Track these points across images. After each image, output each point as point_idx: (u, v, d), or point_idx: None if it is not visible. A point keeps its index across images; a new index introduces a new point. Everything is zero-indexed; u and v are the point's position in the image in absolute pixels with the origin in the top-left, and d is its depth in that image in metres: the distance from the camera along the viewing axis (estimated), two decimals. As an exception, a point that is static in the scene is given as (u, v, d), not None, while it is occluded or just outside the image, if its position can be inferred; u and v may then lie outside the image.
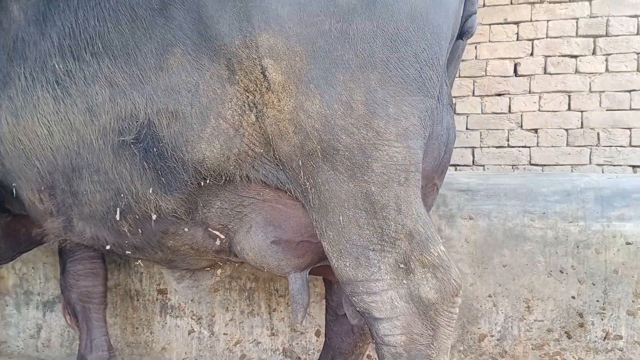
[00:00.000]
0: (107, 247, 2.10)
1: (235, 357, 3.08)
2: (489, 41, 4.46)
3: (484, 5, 4.48)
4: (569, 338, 2.58)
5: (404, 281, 1.61)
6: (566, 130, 4.29)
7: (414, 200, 1.62)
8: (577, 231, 2.58)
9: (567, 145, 4.30)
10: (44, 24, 1.90)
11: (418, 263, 1.61)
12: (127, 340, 3.21)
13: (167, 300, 3.19)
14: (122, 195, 1.89)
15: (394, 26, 1.58)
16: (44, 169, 1.98)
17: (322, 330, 2.90)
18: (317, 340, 2.93)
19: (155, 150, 1.78)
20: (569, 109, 4.29)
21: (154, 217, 1.88)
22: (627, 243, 2.53)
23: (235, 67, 1.65)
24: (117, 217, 1.93)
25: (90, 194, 1.94)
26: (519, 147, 4.40)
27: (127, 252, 2.11)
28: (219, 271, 2.28)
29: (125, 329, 3.22)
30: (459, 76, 4.50)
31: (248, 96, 1.66)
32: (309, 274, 1.99)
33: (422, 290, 1.60)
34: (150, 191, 1.84)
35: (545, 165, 4.34)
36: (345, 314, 2.13)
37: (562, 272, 2.58)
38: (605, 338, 2.54)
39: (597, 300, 2.55)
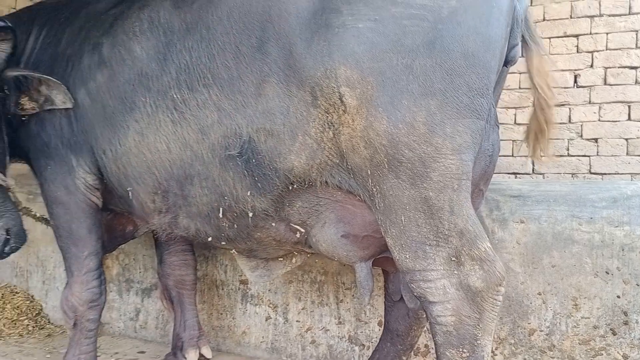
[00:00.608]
0: (209, 239, 2.53)
1: (306, 342, 3.46)
2: (549, 54, 4.65)
3: (544, 20, 4.68)
4: (614, 335, 2.79)
5: (455, 272, 1.93)
6: (626, 139, 4.41)
7: (465, 203, 1.94)
8: (622, 235, 2.78)
9: (627, 154, 4.41)
10: (164, 62, 2.36)
11: (467, 257, 1.92)
12: (213, 324, 3.67)
13: (247, 290, 3.62)
14: (225, 197, 2.31)
15: (450, 63, 1.90)
16: (161, 177, 2.44)
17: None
18: (379, 330, 3.26)
19: (254, 161, 2.19)
20: (629, 118, 4.40)
21: (250, 214, 2.29)
22: (671, 247, 2.72)
23: (318, 94, 2.03)
24: (220, 214, 2.36)
25: (198, 197, 2.38)
26: (578, 156, 4.55)
27: (223, 242, 2.54)
28: (293, 260, 2.67)
29: (211, 314, 3.67)
30: (520, 88, 4.71)
31: (327, 117, 2.04)
32: (373, 265, 2.34)
33: (471, 279, 1.91)
34: (248, 194, 2.26)
35: (604, 174, 4.46)
36: (401, 300, 2.48)
37: (608, 273, 2.80)
38: (649, 337, 2.73)
39: (641, 300, 2.75)
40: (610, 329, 2.80)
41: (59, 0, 3.07)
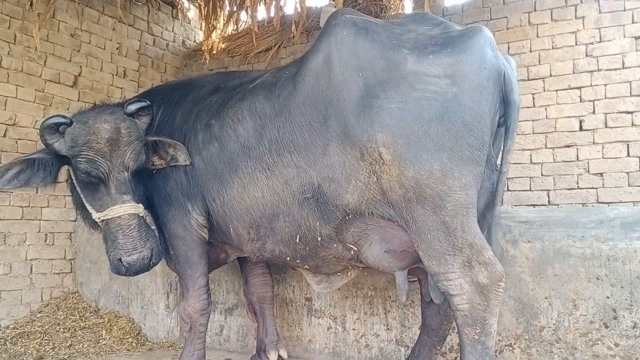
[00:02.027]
0: (287, 259, 3.42)
1: (361, 346, 4.27)
2: (557, 103, 5.47)
3: (550, 75, 5.53)
4: (607, 328, 3.50)
5: (468, 272, 2.73)
6: (627, 173, 5.18)
7: (472, 224, 2.74)
8: (607, 248, 3.53)
9: (629, 185, 5.18)
10: (260, 138, 3.27)
11: (476, 262, 2.72)
12: (284, 335, 4.52)
13: (312, 305, 4.47)
14: (301, 227, 3.20)
15: (455, 129, 2.71)
16: (256, 216, 3.35)
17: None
18: (419, 332, 4.04)
19: (321, 200, 3.07)
20: (628, 155, 5.19)
21: (318, 238, 3.18)
22: (647, 256, 3.46)
23: (364, 152, 2.88)
24: (297, 240, 3.25)
25: (282, 228, 3.28)
26: (587, 188, 5.32)
27: (297, 261, 3.42)
28: (349, 273, 3.53)
29: (282, 326, 4.53)
30: (533, 132, 5.53)
31: (371, 167, 2.88)
32: (409, 274, 3.18)
33: (479, 278, 2.71)
34: (317, 224, 3.14)
35: (610, 202, 5.22)
36: (431, 301, 3.29)
37: (598, 279, 3.54)
38: (634, 327, 3.43)
39: (626, 299, 3.46)
40: (604, 323, 3.51)
41: (170, 85, 4.12)
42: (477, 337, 2.70)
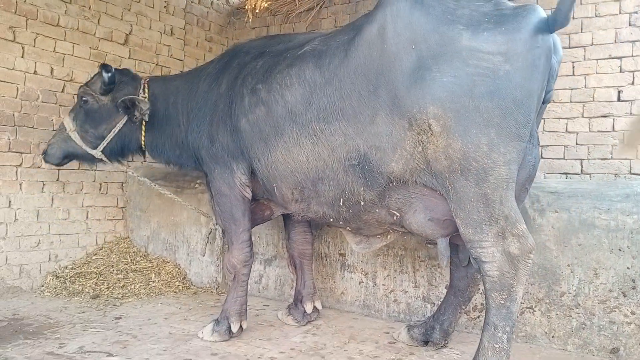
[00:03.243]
0: (331, 220, 3.69)
1: (390, 301, 4.59)
2: (596, 73, 5.51)
3: (592, 44, 5.54)
4: (625, 296, 3.74)
5: (501, 242, 2.94)
6: (660, 145, 5.27)
7: (510, 197, 2.92)
8: (631, 222, 3.72)
9: (661, 158, 5.27)
10: (308, 105, 3.47)
11: (510, 233, 2.93)
12: (318, 286, 4.87)
13: (345, 261, 4.79)
14: (345, 191, 3.43)
15: (504, 105, 2.84)
16: (300, 178, 3.60)
17: (448, 280, 4.31)
18: (446, 291, 4.34)
19: (367, 167, 3.26)
20: None
21: (362, 203, 3.42)
22: (670, 232, 3.65)
23: (413, 123, 3.03)
24: (341, 203, 3.51)
25: (326, 192, 3.52)
26: (620, 159, 5.42)
27: (340, 222, 3.69)
28: (388, 237, 3.79)
29: (317, 278, 4.88)
30: (571, 101, 5.60)
31: (419, 137, 3.03)
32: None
33: (511, 248, 2.92)
34: (361, 189, 3.36)
35: (642, 174, 5.34)
36: (463, 265, 3.56)
37: (620, 250, 3.75)
38: (651, 297, 3.68)
39: (646, 271, 3.70)
40: (622, 292, 3.75)
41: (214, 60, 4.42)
42: (503, 302, 2.96)
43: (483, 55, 2.86)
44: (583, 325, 3.87)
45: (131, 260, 5.65)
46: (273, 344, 3.93)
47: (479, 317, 4.24)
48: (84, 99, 4.45)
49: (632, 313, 3.72)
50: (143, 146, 4.53)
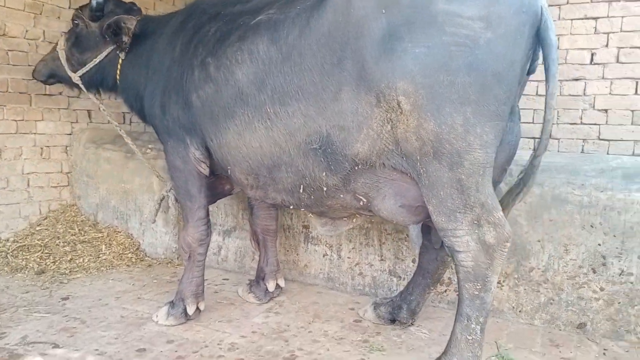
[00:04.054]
0: (290, 207, 3.42)
1: (355, 274, 4.43)
2: (570, 34, 5.28)
3: (567, 3, 5.29)
4: (594, 273, 3.67)
5: (476, 231, 2.75)
6: (632, 111, 5.14)
7: (487, 184, 2.70)
8: (605, 198, 3.60)
9: (632, 124, 5.16)
10: (261, 85, 3.10)
11: (485, 221, 2.73)
12: (281, 259, 4.65)
13: (309, 233, 4.58)
14: (305, 178, 3.13)
15: (483, 80, 2.56)
16: (253, 165, 3.28)
17: (417, 259, 4.17)
18: (413, 265, 4.20)
19: (329, 150, 2.97)
20: (636, 93, 5.11)
21: (324, 189, 3.14)
22: (643, 208, 3.55)
23: (381, 99, 2.74)
24: (301, 190, 3.22)
25: (284, 179, 3.22)
26: (590, 124, 5.29)
27: (301, 209, 3.42)
28: (354, 220, 3.56)
29: (280, 251, 4.65)
30: (541, 63, 5.37)
31: (387, 115, 2.75)
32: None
33: (486, 237, 2.73)
34: (324, 174, 3.07)
35: (611, 140, 5.23)
36: (436, 247, 3.39)
37: (592, 227, 3.64)
38: (620, 274, 3.61)
39: (617, 248, 3.60)
40: (592, 269, 3.67)
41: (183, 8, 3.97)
42: (477, 293, 2.80)
43: (462, 21, 2.55)
44: (551, 301, 3.81)
45: (79, 230, 5.29)
46: (233, 326, 3.73)
47: (445, 291, 4.14)
48: (75, 22, 4.29)
49: (601, 289, 3.66)
50: (118, 83, 4.24)
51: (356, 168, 3.00)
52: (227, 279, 4.72)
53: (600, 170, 3.70)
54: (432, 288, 3.65)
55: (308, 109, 2.98)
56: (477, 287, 2.80)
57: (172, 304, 3.79)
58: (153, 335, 3.54)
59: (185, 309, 3.74)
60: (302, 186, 3.21)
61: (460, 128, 2.59)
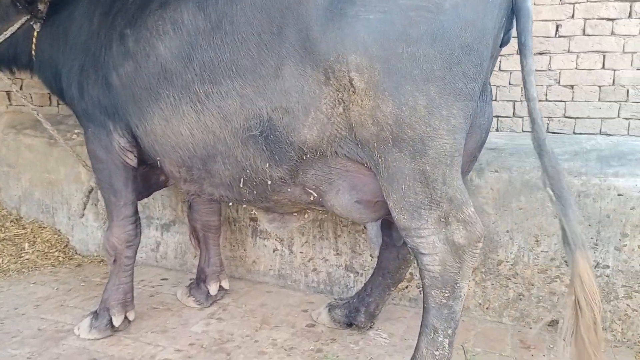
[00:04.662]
0: (230, 203, 2.96)
1: (308, 270, 4.02)
2: (534, 4, 4.90)
3: (530, -29, 4.90)
4: (568, 265, 3.37)
5: (443, 230, 2.37)
6: (599, 87, 4.80)
7: (456, 176, 2.32)
8: (579, 183, 3.28)
9: (599, 100, 4.81)
10: (188, 60, 2.61)
11: (454, 218, 2.35)
12: (226, 255, 4.19)
13: (257, 226, 4.12)
14: (246, 170, 2.69)
15: (449, 52, 2.16)
16: (185, 156, 2.81)
17: (376, 252, 3.79)
18: (371, 260, 3.81)
19: (272, 137, 2.53)
20: (603, 67, 4.75)
21: (268, 182, 2.69)
22: (619, 194, 3.22)
23: (330, 75, 2.32)
24: (241, 184, 2.76)
25: (221, 172, 2.76)
26: (555, 101, 4.94)
27: (244, 205, 2.96)
28: (305, 215, 3.12)
29: (224, 246, 4.19)
30: (514, 36, 5.00)
31: (338, 95, 2.34)
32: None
33: (455, 237, 2.36)
34: (267, 165, 2.63)
35: (577, 118, 4.89)
36: (397, 244, 3.00)
37: (566, 216, 3.33)
38: (596, 266, 3.32)
39: (592, 238, 3.30)
40: (565, 261, 3.37)
41: None
42: (445, 301, 2.43)
43: None
44: (520, 296, 3.50)
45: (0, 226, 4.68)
46: (169, 337, 3.27)
47: (407, 287, 3.78)
48: None
49: (574, 283, 3.36)
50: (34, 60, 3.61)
51: (304, 158, 2.57)
52: (166, 279, 4.23)
53: (574, 153, 3.37)
54: (392, 289, 3.26)
55: (244, 89, 2.52)
56: (445, 294, 2.43)
57: (95, 314, 3.29)
58: (73, 352, 3.05)
59: (110, 320, 3.25)
60: (242, 180, 2.76)
61: (423, 110, 2.21)
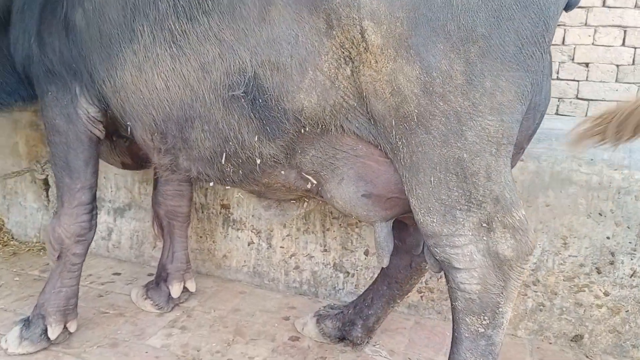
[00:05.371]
0: (211, 183, 2.31)
1: (289, 267, 3.41)
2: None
3: None
4: (599, 273, 2.86)
5: (484, 238, 1.82)
6: (617, 66, 4.28)
7: (504, 169, 1.76)
8: (620, 178, 2.76)
9: (616, 81, 4.31)
10: None
11: (499, 224, 1.80)
12: (191, 247, 3.53)
13: (229, 214, 3.47)
14: (229, 142, 2.06)
15: (498, 3, 1.62)
16: (159, 117, 2.15)
17: (371, 250, 3.21)
18: (365, 259, 3.24)
19: (260, 101, 1.92)
20: (623, 44, 4.23)
21: (257, 160, 2.07)
22: (667, 192, 2.73)
23: (334, 23, 1.73)
24: (223, 160, 2.13)
25: (200, 141, 2.12)
26: (567, 80, 4.42)
27: (227, 186, 2.33)
28: (304, 204, 2.51)
29: (190, 237, 3.52)
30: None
31: (343, 51, 1.75)
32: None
33: (500, 247, 1.81)
34: (256, 139, 2.01)
35: (591, 100, 4.39)
36: (409, 252, 2.42)
37: (601, 215, 2.81)
38: (632, 275, 2.82)
39: (630, 242, 2.79)
40: (596, 268, 2.85)
41: None
42: (483, 330, 1.88)
43: None
44: (541, 307, 2.99)
45: None
46: (119, 354, 2.62)
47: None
48: None
49: (606, 294, 2.87)
50: None
51: (302, 132, 1.97)
52: (119, 274, 3.55)
53: (614, 142, 2.82)
54: (399, 301, 2.68)
55: (222, 31, 1.92)
56: (484, 321, 1.88)
57: (27, 322, 2.63)
58: (-7, 375, 2.39)
59: (45, 330, 2.60)
60: (225, 154, 2.14)
61: (460, 77, 1.66)
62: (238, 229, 3.47)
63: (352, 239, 3.25)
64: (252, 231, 3.45)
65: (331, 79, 1.82)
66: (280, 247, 3.41)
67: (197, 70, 1.98)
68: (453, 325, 1.96)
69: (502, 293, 1.85)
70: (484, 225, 1.81)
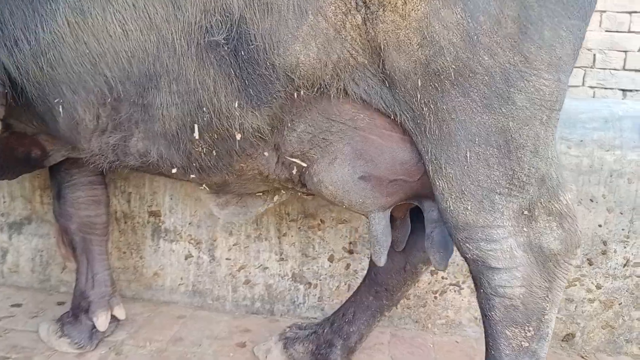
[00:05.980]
0: (173, 170, 1.73)
1: (238, 283, 2.87)
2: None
3: None
4: (590, 265, 2.60)
5: (525, 229, 1.44)
6: (625, 52, 4.13)
7: (551, 141, 1.43)
8: (612, 160, 2.51)
9: (624, 69, 4.16)
10: None
11: (543, 210, 1.43)
12: (113, 265, 2.87)
13: (160, 223, 2.86)
14: (203, 109, 1.53)
15: None
16: (115, 78, 1.55)
17: (336, 256, 2.76)
18: (329, 266, 2.78)
19: (243, 53, 1.43)
20: (629, 30, 4.09)
21: (237, 135, 1.56)
22: (661, 174, 2.51)
23: None
24: (196, 135, 1.57)
25: (166, 108, 1.56)
26: (575, 67, 4.21)
27: (192, 175, 1.76)
28: (276, 197, 2.00)
29: (111, 253, 2.86)
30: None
31: None
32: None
33: (544, 240, 1.44)
34: (236, 105, 1.51)
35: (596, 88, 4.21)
36: (398, 249, 1.99)
37: (592, 201, 2.54)
38: (625, 265, 2.57)
39: (623, 229, 2.55)
40: (587, 259, 2.59)
41: None
42: (527, 345, 1.48)
43: None
44: (528, 307, 2.66)
45: None
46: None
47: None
48: None
49: (598, 287, 2.61)
50: None
51: (295, 96, 1.51)
52: (20, 305, 2.81)
53: (604, 121, 2.57)
54: (386, 314, 2.22)
55: None
56: (528, 332, 1.51)
57: None
58: None
59: None
60: (197, 127, 1.59)
61: (511, 25, 1.32)
62: (172, 241, 2.87)
63: (313, 243, 2.77)
64: (189, 242, 2.86)
65: (336, 28, 1.39)
66: (226, 258, 2.85)
67: (167, 4, 1.43)
68: (487, 342, 1.55)
69: (548, 296, 1.48)
70: (525, 212, 1.44)
